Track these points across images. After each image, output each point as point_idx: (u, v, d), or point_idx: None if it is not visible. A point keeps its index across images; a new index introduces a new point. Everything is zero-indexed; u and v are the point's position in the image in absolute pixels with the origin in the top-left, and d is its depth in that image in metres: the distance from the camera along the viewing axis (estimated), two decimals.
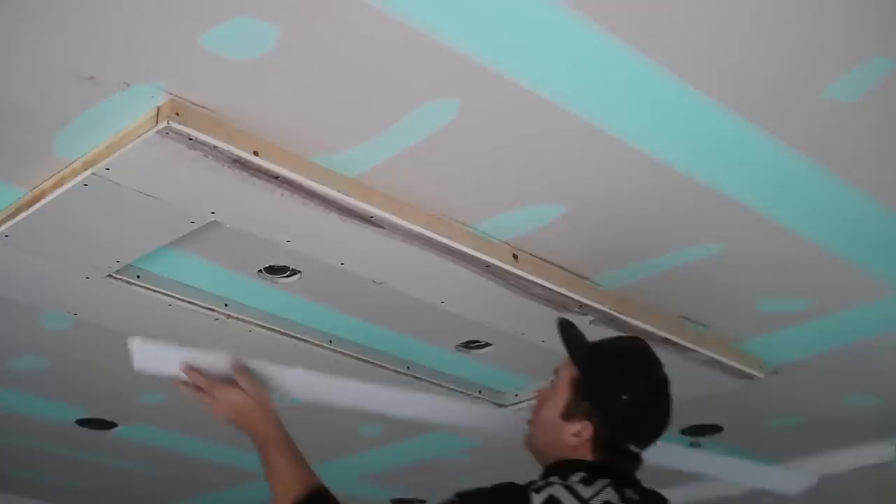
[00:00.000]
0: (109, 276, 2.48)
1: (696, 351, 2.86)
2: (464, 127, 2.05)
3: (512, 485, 1.78)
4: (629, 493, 1.85)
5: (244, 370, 1.98)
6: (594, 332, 2.69)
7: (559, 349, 2.84)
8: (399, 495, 4.29)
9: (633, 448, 1.89)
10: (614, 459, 1.87)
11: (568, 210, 2.34)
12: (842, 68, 1.89)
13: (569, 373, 1.93)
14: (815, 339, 2.91)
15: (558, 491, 1.74)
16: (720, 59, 1.87)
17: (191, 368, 1.97)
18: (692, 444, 3.70)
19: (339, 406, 2.17)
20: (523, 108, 1.98)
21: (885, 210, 2.32)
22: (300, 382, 2.06)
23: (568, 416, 1.88)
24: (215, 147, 2.01)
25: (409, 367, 2.96)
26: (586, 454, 1.86)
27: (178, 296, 2.61)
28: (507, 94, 1.94)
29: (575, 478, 1.79)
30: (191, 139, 1.98)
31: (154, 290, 2.58)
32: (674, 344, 2.80)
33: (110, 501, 4.55)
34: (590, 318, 2.66)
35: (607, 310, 2.65)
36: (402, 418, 2.28)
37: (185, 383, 1.98)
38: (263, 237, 2.33)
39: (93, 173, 2.07)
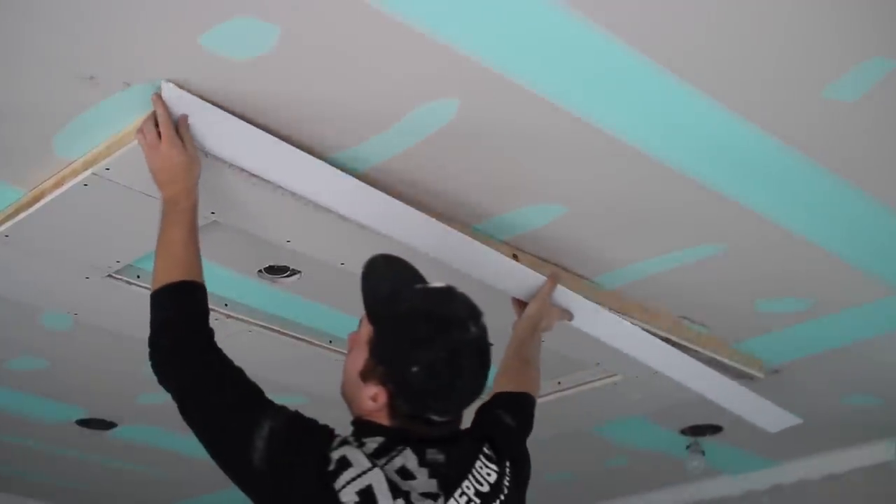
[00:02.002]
0: (109, 276, 2.48)
1: (696, 351, 2.86)
2: (464, 127, 2.05)
3: (329, 432, 1.72)
4: (432, 453, 1.72)
5: (189, 130, 1.95)
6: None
7: (558, 346, 2.85)
8: None
9: (435, 417, 1.72)
10: (414, 428, 1.72)
11: (568, 210, 2.34)
12: (842, 68, 1.89)
13: (367, 329, 1.77)
14: (815, 339, 2.91)
15: (351, 453, 1.67)
16: (720, 58, 1.87)
17: (163, 110, 1.91)
18: (692, 445, 3.70)
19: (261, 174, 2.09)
20: (523, 108, 1.98)
21: (884, 210, 2.32)
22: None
23: (365, 376, 1.74)
24: None
25: None
26: (384, 419, 1.73)
27: None
28: (507, 94, 1.94)
29: (372, 443, 1.69)
30: None
31: None
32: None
33: (110, 501, 4.55)
34: None
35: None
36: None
37: (148, 124, 1.92)
38: (263, 237, 2.33)
39: (93, 173, 2.07)
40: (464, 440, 1.81)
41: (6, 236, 2.29)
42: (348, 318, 2.85)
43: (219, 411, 1.75)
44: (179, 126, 1.95)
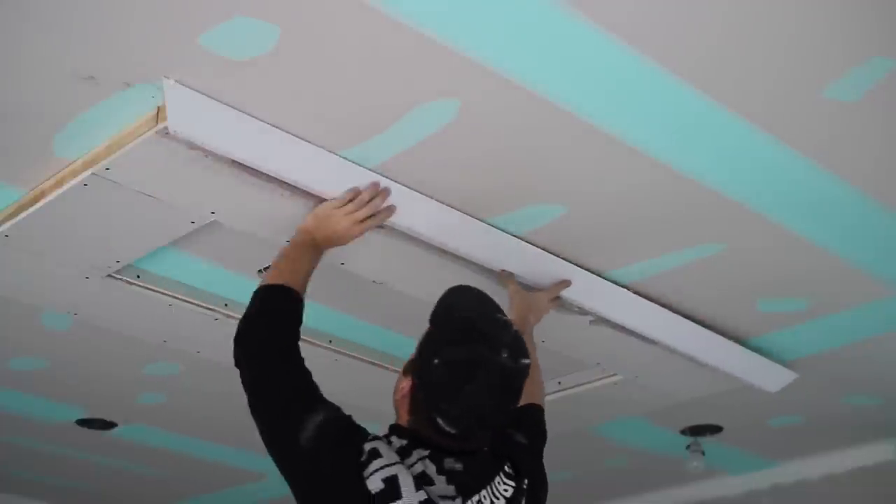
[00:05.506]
0: (109, 276, 2.48)
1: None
2: (464, 127, 2.05)
3: (365, 431, 1.83)
4: (449, 462, 1.79)
5: None
6: (594, 332, 2.70)
7: (558, 346, 2.85)
8: None
9: (443, 424, 1.77)
10: (428, 433, 1.80)
11: (568, 210, 2.34)
12: (842, 68, 1.89)
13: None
14: (815, 339, 2.91)
15: (381, 446, 1.79)
16: (720, 59, 1.87)
17: (387, 215, 2.18)
18: (692, 445, 3.71)
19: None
20: (523, 108, 1.98)
21: (884, 210, 2.32)
22: None
23: (406, 370, 1.89)
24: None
25: None
26: (404, 414, 1.85)
27: (178, 296, 2.61)
28: (507, 94, 1.94)
29: (398, 442, 1.81)
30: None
31: (154, 290, 2.58)
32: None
33: (110, 501, 4.55)
34: (590, 317, 2.66)
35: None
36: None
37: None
38: (263, 237, 2.33)
39: (93, 173, 2.07)
40: (484, 456, 1.86)
41: (6, 236, 2.29)
42: (348, 317, 2.86)
43: (281, 395, 1.85)
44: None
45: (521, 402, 2.14)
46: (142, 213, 2.20)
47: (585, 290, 2.56)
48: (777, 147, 2.10)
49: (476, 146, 2.12)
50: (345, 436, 1.81)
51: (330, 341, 2.89)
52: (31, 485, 4.39)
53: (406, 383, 1.86)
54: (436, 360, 1.79)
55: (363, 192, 2.15)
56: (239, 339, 1.96)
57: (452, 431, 1.78)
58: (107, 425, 3.66)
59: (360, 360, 2.96)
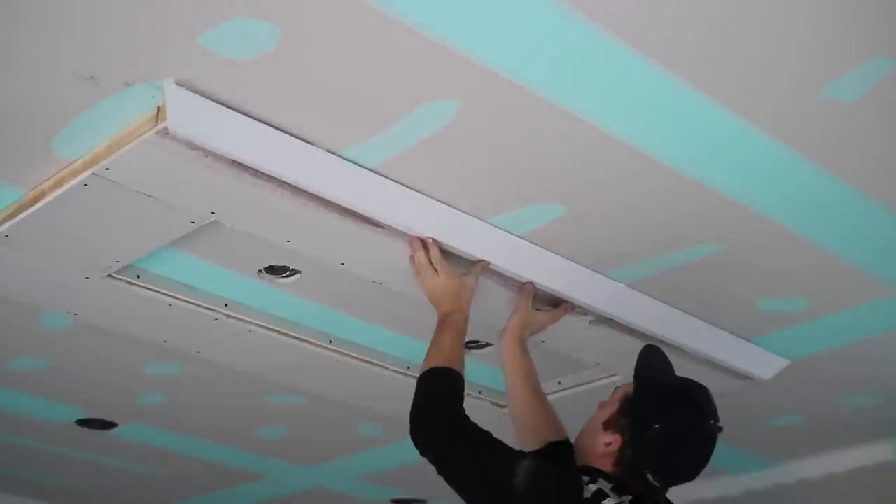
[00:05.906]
0: (109, 276, 2.48)
1: (696, 351, 2.86)
2: (463, 127, 2.05)
3: (564, 471, 2.00)
4: None
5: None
6: (594, 332, 2.70)
7: (558, 346, 2.85)
8: (399, 495, 4.29)
9: (652, 480, 1.99)
10: (633, 482, 1.98)
11: (568, 210, 2.34)
12: (842, 68, 1.89)
13: (626, 390, 2.10)
14: (815, 339, 2.91)
15: (604, 488, 1.93)
16: (720, 59, 1.87)
17: (433, 243, 2.27)
18: None
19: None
20: (523, 108, 1.98)
21: (885, 210, 2.32)
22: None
23: (607, 426, 2.04)
24: None
25: (408, 368, 2.96)
26: (608, 466, 2.00)
27: (178, 296, 2.61)
28: (507, 94, 1.94)
29: (607, 484, 1.95)
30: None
31: (154, 290, 2.57)
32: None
33: (110, 501, 4.55)
34: (590, 317, 2.66)
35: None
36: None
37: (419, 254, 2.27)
38: (263, 237, 2.33)
39: (93, 173, 2.07)
40: (667, 501, 2.09)
41: (6, 236, 2.29)
42: (348, 318, 2.86)
43: (475, 472, 1.95)
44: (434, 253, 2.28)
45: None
46: (142, 213, 2.20)
47: (585, 289, 2.57)
48: (777, 147, 2.10)
49: (476, 146, 2.12)
50: (560, 471, 1.98)
51: (330, 341, 2.89)
52: (31, 485, 4.39)
53: (610, 440, 2.01)
54: (656, 425, 1.97)
55: (416, 252, 2.27)
56: (415, 437, 2.05)
57: (658, 486, 2.01)
58: (107, 425, 3.65)
59: (360, 360, 2.96)
